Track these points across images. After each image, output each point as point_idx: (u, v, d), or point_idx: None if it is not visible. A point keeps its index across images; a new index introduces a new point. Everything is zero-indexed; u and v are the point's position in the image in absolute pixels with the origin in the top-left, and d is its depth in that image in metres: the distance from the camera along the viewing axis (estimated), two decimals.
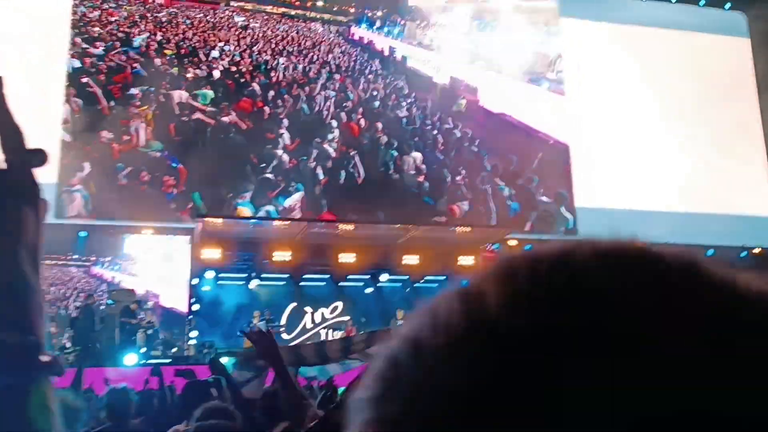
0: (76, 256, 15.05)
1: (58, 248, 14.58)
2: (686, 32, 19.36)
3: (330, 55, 17.36)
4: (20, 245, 0.63)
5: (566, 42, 18.59)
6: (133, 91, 15.26)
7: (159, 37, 15.98)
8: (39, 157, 0.65)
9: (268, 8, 17.14)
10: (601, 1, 19.10)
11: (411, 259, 15.79)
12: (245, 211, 15.10)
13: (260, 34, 16.92)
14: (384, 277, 16.02)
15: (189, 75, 15.86)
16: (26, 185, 0.63)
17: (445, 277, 16.61)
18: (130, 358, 11.22)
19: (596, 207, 17.42)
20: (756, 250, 17.99)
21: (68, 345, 12.81)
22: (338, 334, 15.05)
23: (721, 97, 18.86)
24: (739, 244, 17.79)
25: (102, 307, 13.69)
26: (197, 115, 15.54)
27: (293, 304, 15.84)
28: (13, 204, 0.64)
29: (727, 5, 20.16)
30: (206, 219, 14.15)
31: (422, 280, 16.38)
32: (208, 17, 16.71)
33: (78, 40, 15.41)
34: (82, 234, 15.02)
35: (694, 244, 17.35)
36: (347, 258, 15.43)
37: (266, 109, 16.13)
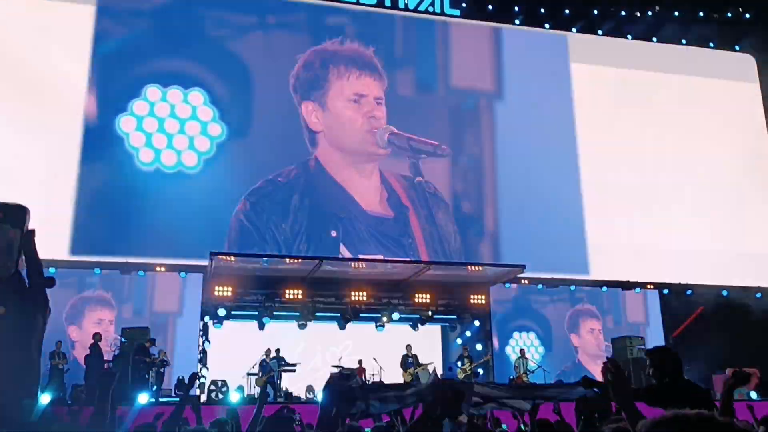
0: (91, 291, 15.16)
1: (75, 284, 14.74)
2: (696, 77, 19.57)
3: None
4: (33, 338, 0.93)
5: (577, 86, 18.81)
6: None
7: None
8: (50, 282, 0.93)
9: None
10: (609, 47, 19.39)
11: (422, 297, 15.78)
12: None
13: None
14: (395, 315, 16.00)
15: None
16: (41, 300, 0.93)
17: (455, 316, 16.61)
18: (143, 398, 11.18)
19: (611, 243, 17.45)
20: None
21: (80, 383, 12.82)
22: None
23: (732, 139, 18.98)
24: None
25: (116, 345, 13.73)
26: None
27: (303, 343, 15.80)
28: (32, 311, 0.93)
29: (737, 47, 20.39)
30: (219, 256, 14.22)
31: (433, 318, 16.35)
32: None
33: None
34: (97, 271, 15.14)
35: (706, 284, 17.30)
36: (358, 295, 15.43)
37: None
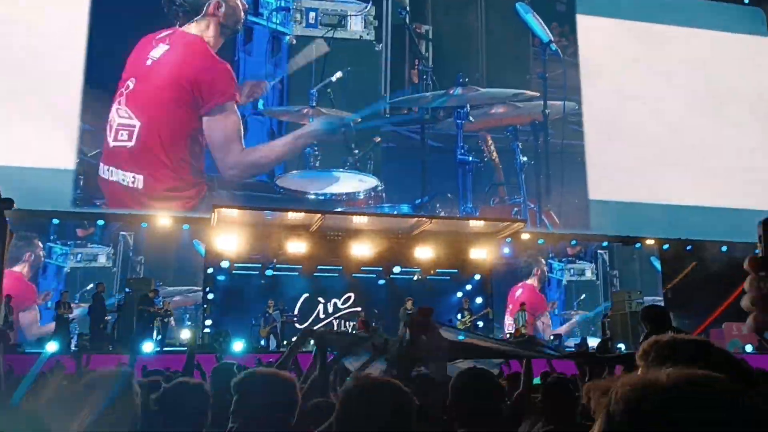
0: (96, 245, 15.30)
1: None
2: (706, 30, 19.25)
3: None
4: None
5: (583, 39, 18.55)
6: None
7: None
8: (8, 203, 0.94)
9: None
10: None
11: (423, 252, 15.87)
12: None
13: None
14: (396, 269, 16.12)
15: None
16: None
17: (456, 270, 16.74)
18: (148, 346, 11.39)
19: (610, 199, 17.47)
20: None
21: (85, 332, 13.04)
22: (350, 325, 15.22)
23: (743, 94, 18.76)
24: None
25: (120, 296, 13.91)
26: None
27: (306, 295, 15.99)
28: None
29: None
30: (222, 208, 14.27)
31: (434, 273, 16.49)
32: None
33: None
34: (100, 223, 15.23)
35: (708, 240, 17.36)
36: (360, 249, 15.53)
37: None
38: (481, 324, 15.63)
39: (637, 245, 17.80)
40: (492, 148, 17.64)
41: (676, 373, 0.67)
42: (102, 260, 15.45)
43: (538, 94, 18.08)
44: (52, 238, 15.31)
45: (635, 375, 0.70)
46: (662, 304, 16.48)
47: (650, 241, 17.69)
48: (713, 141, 18.31)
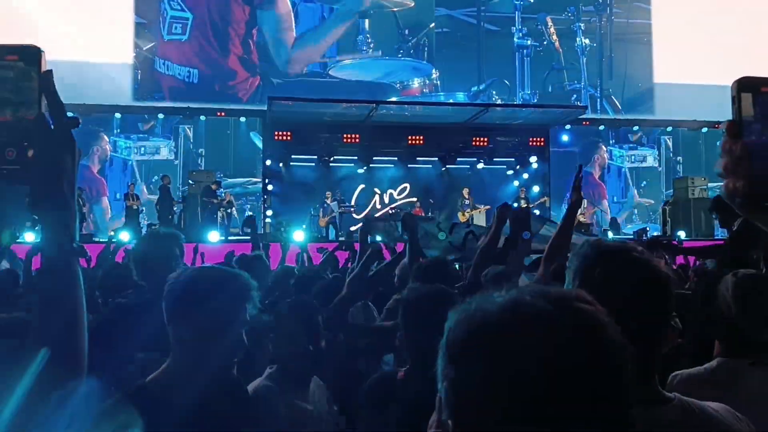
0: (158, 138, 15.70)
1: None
2: None
3: None
4: (63, 177, 0.97)
5: None
6: None
7: None
8: (74, 122, 0.95)
9: None
10: None
11: (480, 141, 15.68)
12: None
13: None
14: (452, 158, 16.05)
15: None
16: (67, 140, 0.96)
17: (514, 159, 16.55)
18: (213, 235, 11.85)
19: (677, 82, 16.69)
20: None
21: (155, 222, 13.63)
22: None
23: None
24: None
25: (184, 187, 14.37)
26: None
27: (362, 186, 16.17)
28: (58, 152, 0.96)
29: None
30: (276, 100, 14.29)
31: (492, 161, 16.36)
32: None
33: None
34: (160, 116, 15.53)
35: None
36: (416, 139, 15.45)
37: None
38: (537, 213, 15.58)
39: (704, 129, 17.10)
40: (552, 30, 16.88)
41: None
42: (164, 153, 15.91)
43: None
44: (116, 132, 15.76)
45: None
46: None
47: (718, 125, 16.97)
48: None
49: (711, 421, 1.16)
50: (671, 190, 16.50)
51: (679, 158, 17.79)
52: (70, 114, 1.02)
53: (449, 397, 0.66)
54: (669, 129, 17.28)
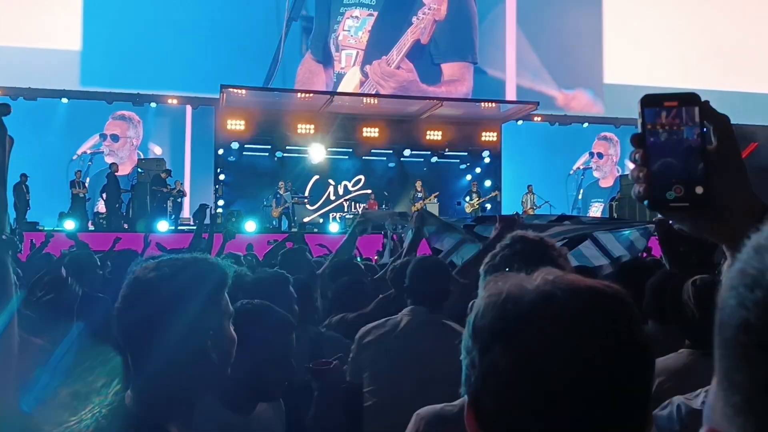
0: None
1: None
2: None
3: None
4: None
5: None
6: None
7: None
8: (5, 108, 0.93)
9: None
10: None
11: (434, 134, 15.78)
12: None
13: None
14: (407, 151, 16.11)
15: None
16: None
17: (466, 153, 16.72)
18: (162, 225, 11.64)
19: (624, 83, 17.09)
20: None
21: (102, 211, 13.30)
22: (360, 207, 15.41)
23: None
24: None
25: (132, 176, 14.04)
26: None
27: (317, 176, 16.10)
28: None
29: None
30: (230, 89, 14.08)
31: (444, 155, 16.49)
32: None
33: None
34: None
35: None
36: (370, 131, 15.46)
37: None
38: (489, 206, 15.79)
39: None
40: None
41: None
42: None
43: None
44: None
45: None
46: None
47: None
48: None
49: None
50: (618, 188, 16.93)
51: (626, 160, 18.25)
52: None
53: (470, 377, 0.68)
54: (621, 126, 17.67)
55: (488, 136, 16.34)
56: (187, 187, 14.62)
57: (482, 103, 15.76)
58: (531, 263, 1.12)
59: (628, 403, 0.65)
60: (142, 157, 15.08)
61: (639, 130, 0.77)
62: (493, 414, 0.66)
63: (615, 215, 15.18)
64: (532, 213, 14.99)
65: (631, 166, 0.77)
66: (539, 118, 16.94)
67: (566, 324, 0.65)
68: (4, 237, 1.00)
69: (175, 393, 1.21)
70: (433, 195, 15.16)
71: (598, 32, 17.58)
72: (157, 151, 15.44)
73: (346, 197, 16.22)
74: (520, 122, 16.80)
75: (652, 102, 0.77)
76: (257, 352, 1.63)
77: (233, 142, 15.11)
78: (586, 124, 17.70)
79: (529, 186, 15.96)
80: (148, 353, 1.20)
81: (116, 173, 13.57)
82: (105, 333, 1.51)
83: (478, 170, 16.73)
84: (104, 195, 13.34)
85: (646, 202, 0.76)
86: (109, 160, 14.40)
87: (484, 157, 16.65)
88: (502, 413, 0.65)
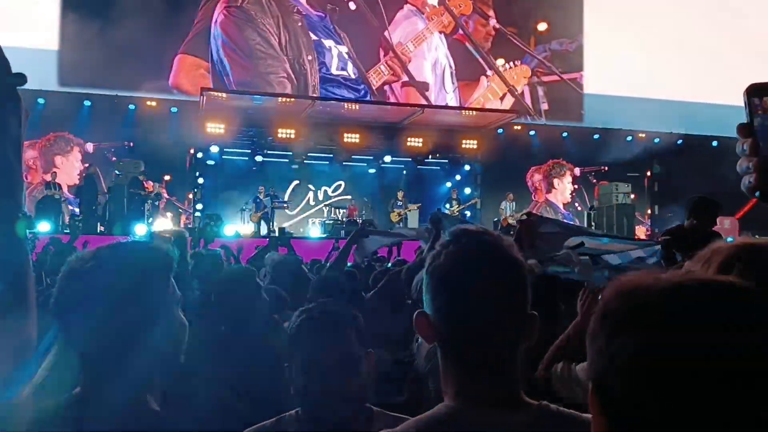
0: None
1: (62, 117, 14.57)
2: None
3: None
4: (5, 140, 0.91)
5: None
6: None
7: None
8: (19, 78, 0.89)
9: None
10: None
11: (415, 141, 15.81)
12: None
13: None
14: (387, 158, 16.12)
15: None
16: (12, 99, 0.90)
17: (446, 160, 16.76)
18: (140, 228, 11.50)
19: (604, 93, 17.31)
20: None
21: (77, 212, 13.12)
22: (340, 213, 15.39)
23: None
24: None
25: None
26: None
27: (296, 182, 16.05)
28: (1, 113, 0.91)
29: None
30: (211, 92, 14.00)
31: (424, 162, 16.52)
32: None
33: None
34: (87, 103, 14.95)
35: (698, 135, 17.40)
36: (351, 137, 15.44)
37: None
38: (468, 214, 15.84)
39: (629, 138, 17.77)
40: None
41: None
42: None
43: None
44: None
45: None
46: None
47: (642, 134, 17.72)
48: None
49: (573, 422, 1.13)
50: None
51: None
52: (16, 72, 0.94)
53: (596, 362, 0.71)
54: (596, 137, 17.83)
55: (468, 144, 16.39)
56: (165, 191, 14.46)
57: (463, 111, 15.84)
58: (481, 256, 1.13)
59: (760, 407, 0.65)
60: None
61: (746, 119, 0.74)
62: (617, 394, 0.68)
63: (593, 224, 15.31)
64: (511, 221, 15.09)
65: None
66: (519, 127, 17.05)
67: (693, 313, 0.67)
68: (21, 215, 0.96)
69: (124, 384, 1.16)
70: (415, 205, 15.18)
71: (578, 41, 17.76)
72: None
73: (326, 203, 16.19)
74: (500, 130, 16.88)
75: (759, 90, 0.75)
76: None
77: (213, 146, 14.99)
78: (565, 134, 17.84)
79: (507, 194, 16.05)
80: (93, 345, 1.15)
81: (94, 173, 13.39)
82: None
83: (458, 178, 16.77)
84: (80, 197, 13.17)
85: (757, 194, 0.73)
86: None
87: (464, 165, 16.70)
88: (627, 397, 0.67)
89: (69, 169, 14.71)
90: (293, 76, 15.58)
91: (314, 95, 15.26)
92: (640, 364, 0.66)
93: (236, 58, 15.33)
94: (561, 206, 18.02)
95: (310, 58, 15.76)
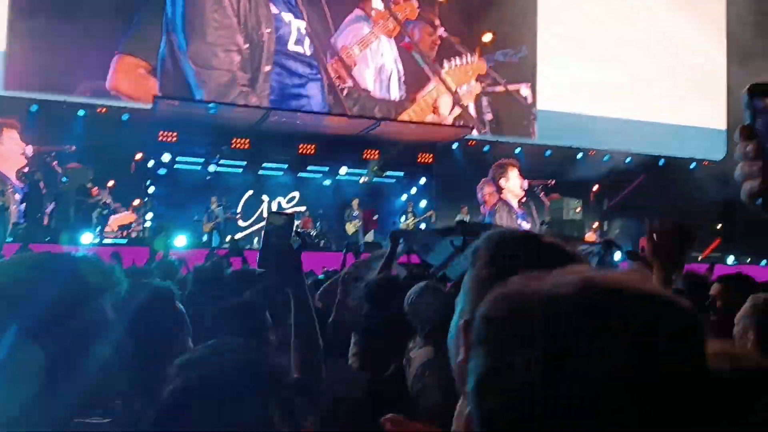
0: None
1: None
2: None
3: None
4: None
5: None
6: None
7: None
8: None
9: None
10: None
11: (371, 154, 15.82)
12: None
13: None
14: (343, 169, 16.07)
15: None
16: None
17: (402, 173, 16.83)
18: (86, 237, 11.18)
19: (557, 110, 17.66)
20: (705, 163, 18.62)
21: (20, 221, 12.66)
22: (295, 224, 15.26)
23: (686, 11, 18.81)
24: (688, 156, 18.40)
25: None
26: None
27: (250, 192, 15.87)
28: None
29: None
30: (163, 100, 13.76)
31: (380, 174, 16.53)
32: None
33: None
34: (33, 108, 14.53)
35: (645, 153, 17.90)
36: (307, 148, 15.36)
37: None
38: (423, 226, 15.90)
39: (579, 155, 18.14)
40: None
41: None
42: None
43: None
44: None
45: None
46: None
47: (592, 152, 18.12)
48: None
49: None
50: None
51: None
52: None
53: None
54: (548, 153, 18.16)
55: (424, 158, 16.49)
56: (112, 200, 14.09)
57: (419, 125, 15.95)
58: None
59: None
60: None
61: (748, 120, 0.70)
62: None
63: None
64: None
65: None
66: (473, 142, 17.26)
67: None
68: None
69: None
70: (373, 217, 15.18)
71: (533, 57, 18.09)
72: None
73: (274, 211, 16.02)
74: (455, 145, 17.03)
75: (763, 90, 0.70)
76: None
77: (164, 154, 14.71)
78: (518, 149, 18.11)
79: (462, 207, 16.16)
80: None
81: (39, 180, 12.94)
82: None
83: (413, 191, 16.84)
84: (25, 203, 12.71)
85: (758, 201, 0.68)
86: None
87: (419, 178, 16.79)
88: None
89: (7, 154, 13.97)
90: (246, 50, 15.26)
91: (267, 68, 15.08)
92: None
93: (192, 23, 14.92)
94: (515, 204, 18.24)
95: (269, 30, 15.57)
